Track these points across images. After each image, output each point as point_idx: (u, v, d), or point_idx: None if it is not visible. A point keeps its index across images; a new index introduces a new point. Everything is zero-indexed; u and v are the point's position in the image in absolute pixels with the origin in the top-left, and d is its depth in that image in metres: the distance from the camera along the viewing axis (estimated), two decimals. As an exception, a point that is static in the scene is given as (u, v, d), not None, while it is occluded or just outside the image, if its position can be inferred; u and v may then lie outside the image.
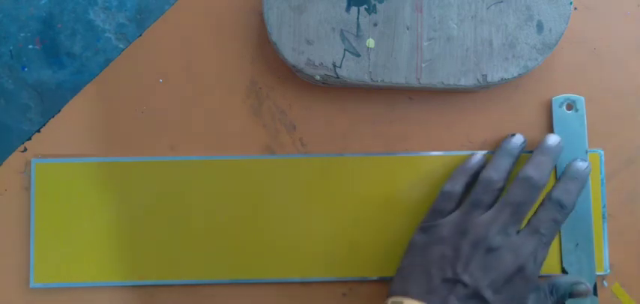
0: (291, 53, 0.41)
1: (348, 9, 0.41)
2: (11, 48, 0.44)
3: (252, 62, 0.44)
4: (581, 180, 0.40)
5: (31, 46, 0.44)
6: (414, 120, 0.44)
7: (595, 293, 0.42)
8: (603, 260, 0.42)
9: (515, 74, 0.41)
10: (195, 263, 0.42)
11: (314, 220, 0.43)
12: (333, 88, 0.44)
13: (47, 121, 0.44)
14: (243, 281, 0.43)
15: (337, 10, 0.41)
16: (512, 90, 0.44)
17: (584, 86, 0.44)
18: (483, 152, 0.43)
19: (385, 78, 0.41)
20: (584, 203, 0.42)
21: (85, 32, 0.44)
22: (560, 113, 0.43)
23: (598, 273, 0.42)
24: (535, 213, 0.39)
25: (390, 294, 0.40)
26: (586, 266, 0.42)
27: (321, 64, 0.41)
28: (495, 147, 0.43)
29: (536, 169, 0.39)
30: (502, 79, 0.41)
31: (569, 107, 0.43)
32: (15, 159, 0.43)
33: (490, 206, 0.39)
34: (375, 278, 0.42)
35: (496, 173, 0.40)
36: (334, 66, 0.41)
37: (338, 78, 0.41)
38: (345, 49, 0.41)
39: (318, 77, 0.41)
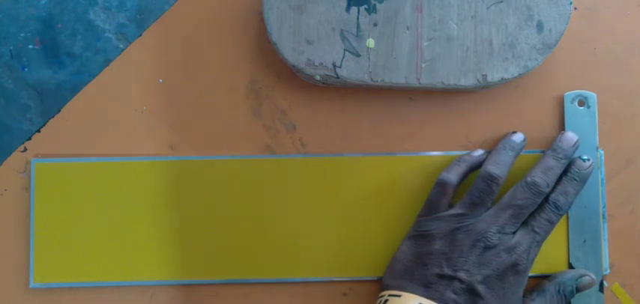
0: (291, 53, 0.41)
1: (348, 9, 0.41)
2: (11, 48, 0.44)
3: (252, 62, 0.44)
4: (582, 181, 0.40)
5: (31, 46, 0.44)
6: (414, 120, 0.44)
7: (601, 290, 0.42)
8: (603, 260, 0.42)
9: (515, 74, 0.41)
10: (195, 263, 0.42)
11: (314, 220, 0.43)
12: (333, 88, 0.44)
13: (47, 121, 0.44)
14: (243, 281, 0.43)
15: (337, 10, 0.41)
16: (512, 90, 0.44)
17: (584, 86, 0.43)
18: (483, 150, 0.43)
19: (385, 78, 0.41)
20: (592, 200, 0.42)
21: (85, 32, 0.44)
22: (571, 109, 0.43)
23: (598, 273, 0.42)
24: (532, 212, 0.39)
25: (384, 287, 0.40)
26: (593, 262, 0.42)
27: (321, 64, 0.41)
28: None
29: (543, 175, 0.39)
30: (502, 79, 0.41)
31: (581, 103, 0.43)
32: (15, 159, 0.43)
33: (489, 202, 0.39)
34: (374, 278, 0.42)
35: (498, 168, 0.40)
36: (334, 66, 0.41)
37: (338, 78, 0.41)
38: (345, 49, 0.41)
39: (318, 77, 0.41)
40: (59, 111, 0.44)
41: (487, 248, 0.38)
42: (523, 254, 0.38)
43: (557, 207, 0.39)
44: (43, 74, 0.44)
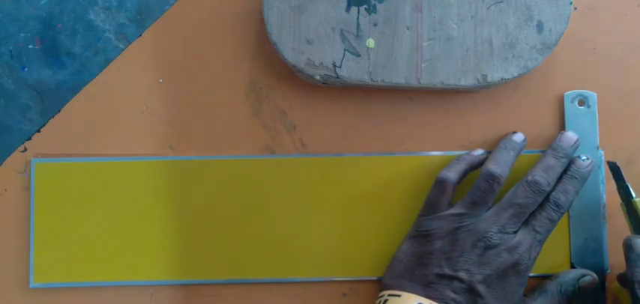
0: (291, 53, 0.41)
1: (348, 9, 0.41)
2: (11, 48, 0.44)
3: (252, 62, 0.44)
4: (582, 179, 0.40)
5: (31, 46, 0.44)
6: (414, 120, 0.44)
7: (603, 289, 0.42)
8: (603, 260, 0.42)
9: (515, 74, 0.41)
10: (195, 263, 0.42)
11: (314, 220, 0.43)
12: (333, 88, 0.44)
13: (47, 121, 0.44)
14: (243, 281, 0.43)
15: (337, 10, 0.41)
16: (512, 90, 0.44)
17: (584, 86, 0.43)
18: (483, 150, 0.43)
19: (385, 78, 0.41)
20: (594, 198, 0.42)
21: (85, 32, 0.44)
22: (572, 109, 0.43)
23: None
24: (532, 211, 0.39)
25: (384, 287, 0.40)
26: (594, 262, 0.42)
27: (321, 64, 0.41)
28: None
29: (544, 174, 0.39)
30: (502, 79, 0.41)
31: (581, 103, 0.43)
32: (15, 159, 0.43)
33: (490, 202, 0.39)
34: (374, 278, 0.42)
35: (499, 167, 0.40)
36: (334, 66, 0.41)
37: (338, 78, 0.41)
38: (345, 49, 0.41)
39: (318, 77, 0.41)
40: (59, 111, 0.44)
41: (488, 247, 0.38)
42: (524, 253, 0.38)
43: (557, 206, 0.39)
44: (43, 74, 0.44)
